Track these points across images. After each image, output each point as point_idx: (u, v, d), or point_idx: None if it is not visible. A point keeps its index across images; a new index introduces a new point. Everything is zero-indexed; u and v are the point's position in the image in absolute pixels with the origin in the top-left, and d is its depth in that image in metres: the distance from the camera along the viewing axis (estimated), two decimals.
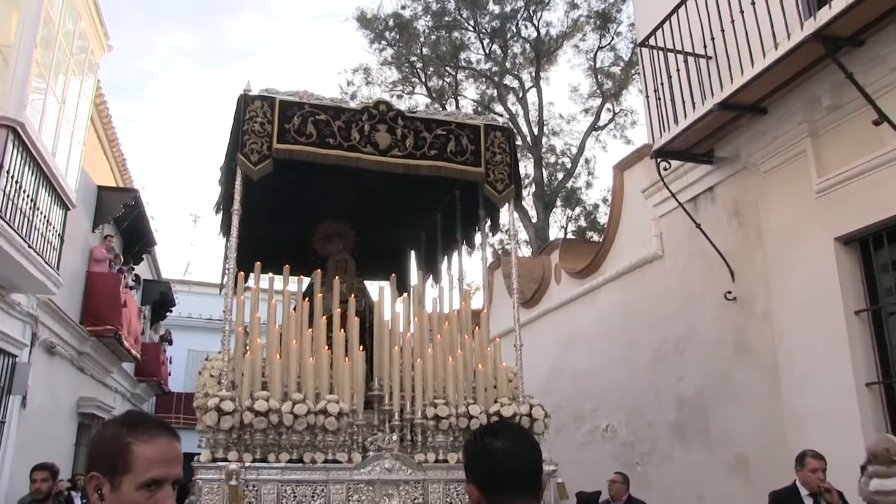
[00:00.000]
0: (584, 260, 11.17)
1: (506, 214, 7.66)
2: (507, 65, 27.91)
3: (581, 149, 27.34)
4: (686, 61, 7.69)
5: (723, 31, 6.98)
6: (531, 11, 27.16)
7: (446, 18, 27.59)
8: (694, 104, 7.54)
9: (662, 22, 7.91)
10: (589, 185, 28.05)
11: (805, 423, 6.71)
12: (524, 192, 27.18)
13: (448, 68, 27.92)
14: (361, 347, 6.72)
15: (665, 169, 8.13)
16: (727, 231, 8.03)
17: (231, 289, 6.53)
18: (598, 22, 26.76)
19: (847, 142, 6.49)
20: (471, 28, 27.64)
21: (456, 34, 27.85)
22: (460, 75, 28.39)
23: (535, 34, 27.19)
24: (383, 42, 27.98)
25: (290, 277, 7.29)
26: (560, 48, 27.97)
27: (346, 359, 6.36)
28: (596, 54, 27.23)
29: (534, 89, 27.48)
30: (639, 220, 9.76)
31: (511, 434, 2.00)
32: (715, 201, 8.31)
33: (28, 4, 8.57)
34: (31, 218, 8.89)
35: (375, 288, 8.41)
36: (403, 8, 27.31)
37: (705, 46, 7.37)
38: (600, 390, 10.39)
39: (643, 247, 9.59)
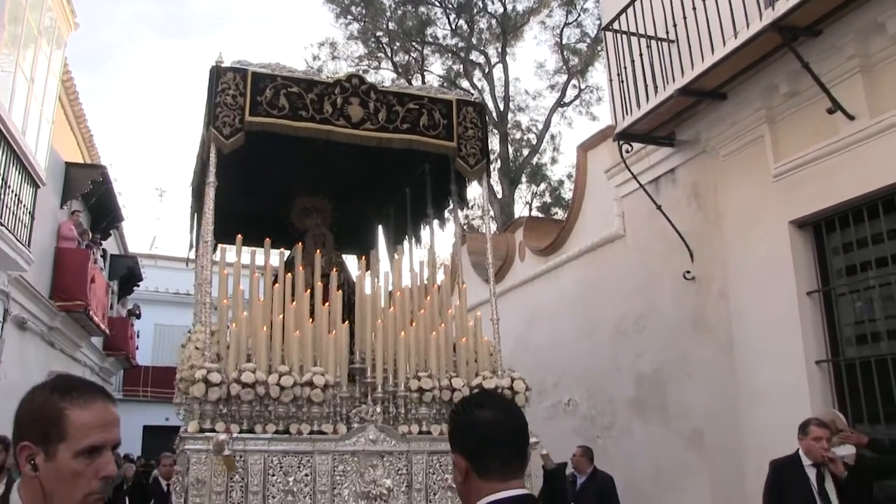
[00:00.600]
0: (548, 238, 11.36)
1: (474, 189, 7.76)
2: (474, 40, 27.92)
3: (547, 125, 27.53)
4: (649, 45, 7.84)
5: (685, 17, 7.11)
6: None
7: None
8: (656, 88, 7.70)
9: (627, 6, 8.05)
10: (554, 161, 28.26)
11: (758, 399, 6.98)
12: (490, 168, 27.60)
13: (414, 43, 27.89)
14: (344, 321, 6.74)
15: (627, 151, 8.32)
16: (687, 212, 8.26)
17: (209, 261, 6.53)
18: None
19: (803, 128, 6.71)
20: (437, 3, 27.61)
21: (422, 9, 27.80)
22: (426, 50, 28.38)
23: (501, 10, 27.24)
24: (349, 17, 27.85)
25: (272, 251, 7.22)
26: (526, 24, 28.04)
27: (331, 332, 6.39)
28: (562, 31, 27.36)
29: (500, 65, 27.57)
30: (601, 200, 9.95)
31: (496, 403, 2.03)
32: (676, 183, 8.53)
33: None
34: (2, 196, 8.92)
35: (351, 262, 8.70)
36: None
37: (668, 31, 7.53)
38: (563, 365, 10.62)
39: (605, 226, 9.80)
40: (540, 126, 27.83)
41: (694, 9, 6.96)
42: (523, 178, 27.96)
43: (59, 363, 14.40)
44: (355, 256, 7.92)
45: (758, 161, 7.20)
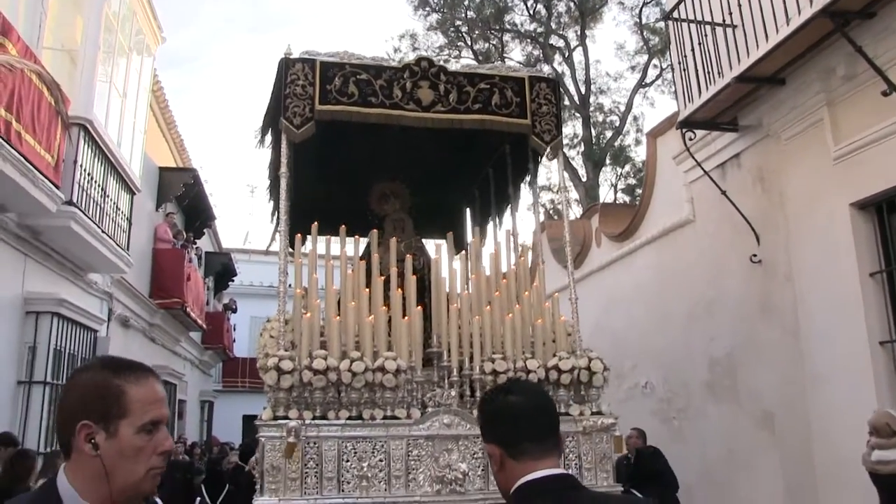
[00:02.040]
0: (623, 224, 11.51)
1: (547, 169, 7.78)
2: (552, 25, 27.94)
3: (629, 106, 27.41)
4: (711, 31, 7.92)
5: (739, 4, 7.20)
6: None
7: None
8: (721, 73, 7.77)
9: None
10: (638, 142, 28.04)
11: (823, 381, 7.05)
12: (573, 152, 27.63)
13: (493, 31, 28.07)
14: (420, 305, 6.73)
15: (690, 139, 8.42)
16: (752, 196, 8.32)
17: (285, 251, 6.58)
18: None
19: (861, 110, 6.72)
20: None
21: None
22: (506, 37, 28.53)
23: None
24: (427, 8, 28.22)
25: (348, 238, 7.39)
26: (605, 5, 27.87)
27: (406, 317, 6.40)
28: (640, 11, 27.13)
29: (580, 48, 27.52)
30: (672, 186, 10.06)
31: (522, 388, 2.05)
32: (741, 167, 8.59)
33: (90, 9, 9.28)
34: (101, 205, 9.64)
35: (433, 246, 8.50)
36: None
37: (729, 16, 7.55)
38: (639, 349, 10.78)
39: (676, 212, 9.92)
40: (622, 108, 27.74)
41: None
42: (607, 161, 27.88)
43: (161, 357, 15.31)
44: (441, 240, 7.83)
45: (818, 144, 7.23)
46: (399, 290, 6.64)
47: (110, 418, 1.66)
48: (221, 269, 22.06)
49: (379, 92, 6.75)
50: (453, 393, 6.24)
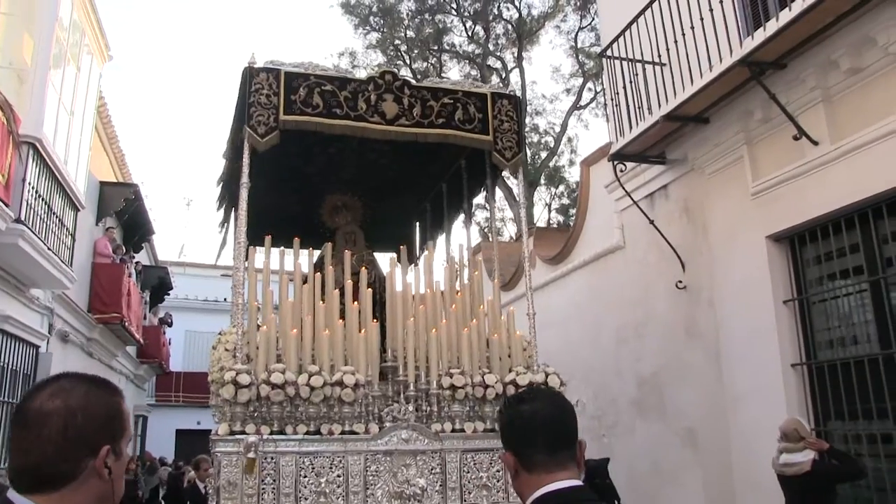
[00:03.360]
0: (556, 247, 11.99)
1: (500, 185, 7.88)
2: (490, 46, 28.59)
3: (564, 127, 28.18)
4: (643, 69, 8.43)
5: (667, 46, 7.73)
6: None
7: (429, 2, 28.22)
8: (649, 110, 8.29)
9: (620, 34, 8.66)
10: (572, 162, 28.82)
11: (741, 400, 7.59)
12: (506, 172, 28.18)
13: (432, 51, 28.58)
14: (374, 319, 6.73)
15: (621, 171, 8.94)
16: (679, 226, 8.87)
17: (242, 262, 6.57)
18: (579, 2, 27.41)
19: (776, 151, 7.29)
20: (454, 11, 28.29)
21: (439, 17, 28.51)
22: (444, 57, 29.08)
23: (516, 15, 27.86)
24: (368, 27, 28.60)
25: (301, 251, 7.36)
26: (542, 29, 28.65)
27: (361, 330, 6.37)
28: (577, 35, 27.95)
29: (516, 69, 28.21)
30: (603, 213, 10.58)
31: (539, 397, 2.01)
32: (668, 198, 9.14)
33: (42, 29, 9.41)
34: (47, 221, 9.75)
35: (383, 259, 8.61)
36: None
37: (660, 55, 8.02)
38: (571, 368, 11.19)
39: (607, 237, 10.44)
40: (557, 129, 28.48)
41: (683, 34, 7.47)
42: (542, 181, 28.57)
43: (98, 372, 14.94)
44: (392, 253, 7.83)
45: (738, 179, 7.79)
46: (355, 303, 6.64)
47: (116, 438, 1.64)
48: (158, 283, 21.96)
49: (344, 104, 6.77)
50: (411, 408, 6.26)
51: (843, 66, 6.36)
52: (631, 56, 8.52)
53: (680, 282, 8.74)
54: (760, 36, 6.53)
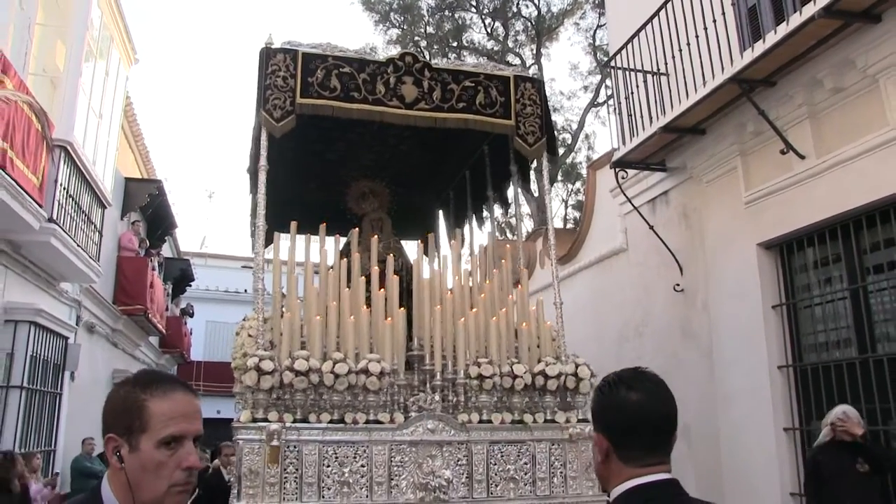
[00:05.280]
0: (564, 248, 12.37)
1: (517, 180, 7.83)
2: (509, 43, 28.90)
3: (581, 124, 28.43)
4: (645, 79, 8.79)
5: (673, 56, 8.05)
6: None
7: None
8: (651, 119, 8.65)
9: (624, 45, 9.03)
10: (589, 159, 29.04)
11: (731, 398, 7.98)
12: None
13: (451, 47, 28.93)
14: (401, 307, 6.55)
15: (623, 177, 9.33)
16: (678, 231, 9.24)
17: (262, 248, 6.38)
18: (598, 0, 27.67)
19: (767, 163, 7.64)
20: (473, 8, 28.64)
21: (459, 14, 28.87)
22: (463, 53, 29.41)
23: (535, 13, 28.16)
24: (388, 23, 28.99)
25: (327, 237, 7.03)
26: (560, 26, 28.90)
27: (388, 318, 6.21)
28: (595, 32, 28.21)
29: (535, 66, 28.50)
30: (608, 216, 10.98)
31: (648, 386, 1.87)
32: (669, 204, 9.51)
33: (74, 37, 9.91)
34: (76, 219, 10.29)
35: (409, 247, 8.49)
36: None
37: (665, 65, 8.34)
38: None
39: (611, 240, 10.83)
40: (575, 126, 28.75)
41: (680, 49, 7.84)
42: (559, 177, 28.89)
43: (121, 362, 15.87)
44: (416, 241, 7.55)
45: (732, 189, 8.16)
46: (381, 290, 6.45)
47: (133, 432, 1.71)
48: (180, 275, 22.49)
49: (362, 87, 6.55)
50: (437, 397, 6.10)
51: (827, 86, 6.72)
52: (635, 66, 8.87)
53: (678, 285, 9.12)
54: (749, 56, 6.89)
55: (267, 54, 6.43)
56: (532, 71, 28.34)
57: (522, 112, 7.03)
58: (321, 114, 6.57)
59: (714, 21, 7.40)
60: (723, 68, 7.34)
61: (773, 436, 7.39)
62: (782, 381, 7.51)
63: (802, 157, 7.07)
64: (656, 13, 8.21)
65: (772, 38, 6.56)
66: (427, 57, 28.79)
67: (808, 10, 6.08)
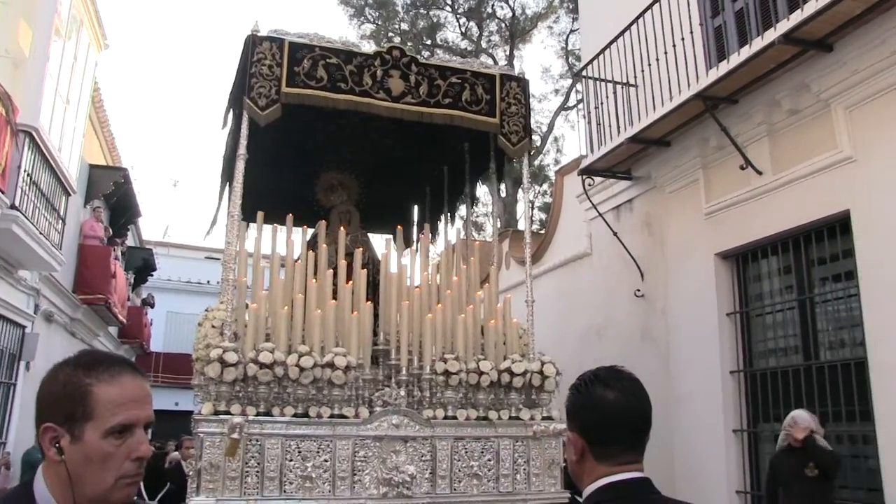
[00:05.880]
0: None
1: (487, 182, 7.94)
2: (483, 44, 29.19)
3: (551, 127, 28.81)
4: (614, 89, 9.11)
5: (642, 70, 8.37)
6: None
7: None
8: (619, 129, 8.96)
9: (595, 56, 9.34)
10: (557, 162, 29.44)
11: (685, 401, 8.33)
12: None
13: (425, 45, 29.14)
14: (368, 301, 6.53)
15: (590, 185, 9.65)
16: (640, 238, 9.58)
17: (235, 237, 6.31)
18: (572, 5, 28.04)
19: (727, 176, 7.99)
20: (448, 7, 28.88)
21: (434, 12, 29.10)
22: (437, 52, 29.62)
23: (510, 14, 28.48)
24: (363, 18, 29.13)
25: (294, 228, 7.10)
26: (534, 28, 29.26)
27: (354, 311, 6.17)
28: (568, 37, 28.60)
29: (507, 67, 28.76)
30: (575, 220, 11.30)
31: (625, 384, 1.87)
32: (633, 212, 9.85)
33: (41, 19, 9.85)
34: (39, 206, 10.21)
35: (379, 241, 8.47)
36: None
37: (635, 76, 8.63)
38: None
39: (577, 244, 11.16)
40: (544, 128, 29.10)
41: (649, 64, 8.17)
42: (528, 179, 29.21)
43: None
44: (387, 235, 7.54)
45: (694, 200, 8.51)
46: (348, 283, 6.42)
47: (75, 420, 1.53)
48: (142, 264, 22.16)
49: (349, 78, 6.53)
50: (402, 392, 6.10)
51: (784, 107, 7.08)
52: (606, 76, 9.17)
53: (638, 290, 9.46)
54: (714, 74, 7.23)
55: (253, 42, 6.40)
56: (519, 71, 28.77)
57: (507, 111, 7.08)
58: (307, 104, 6.56)
59: (682, 39, 7.72)
60: (689, 84, 7.68)
61: (723, 437, 7.76)
62: (733, 385, 7.87)
63: (760, 173, 7.43)
64: (627, 28, 8.53)
65: (735, 60, 6.91)
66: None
67: (770, 36, 6.43)
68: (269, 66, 6.33)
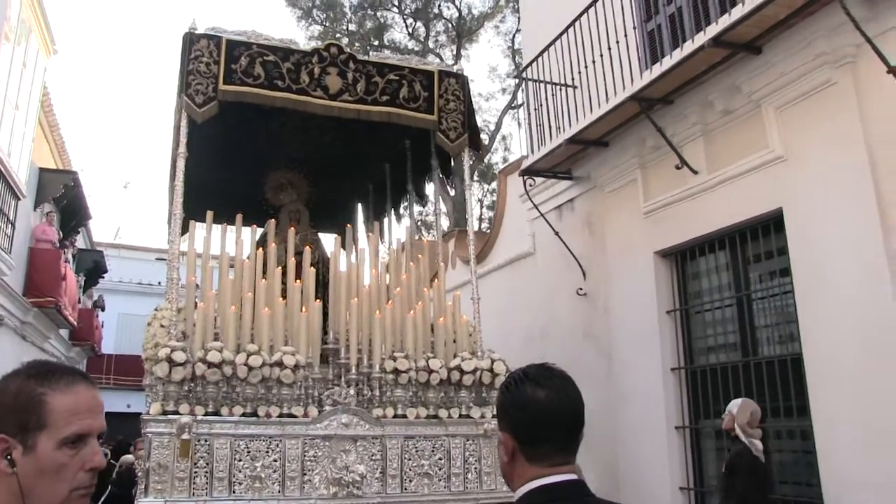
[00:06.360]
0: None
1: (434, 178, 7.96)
2: (430, 44, 29.21)
3: (498, 126, 28.98)
4: (554, 91, 9.16)
5: (580, 71, 8.43)
6: None
7: None
8: (560, 129, 9.00)
9: (535, 58, 9.40)
10: (505, 160, 29.60)
11: (627, 398, 8.41)
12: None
13: (372, 46, 29.07)
14: (317, 300, 6.52)
15: (531, 185, 9.70)
16: (581, 237, 9.65)
17: (178, 237, 6.28)
18: (517, 5, 28.15)
19: (664, 176, 8.08)
20: (395, 8, 28.85)
21: (381, 13, 29.06)
22: (384, 52, 29.57)
23: (456, 15, 28.55)
24: (310, 19, 28.98)
25: (243, 228, 7.08)
26: (481, 28, 29.38)
27: (303, 309, 6.19)
28: (514, 36, 28.73)
29: (455, 67, 28.85)
30: (518, 219, 11.34)
31: (556, 382, 1.82)
32: (574, 211, 9.92)
33: None
34: None
35: (328, 240, 8.45)
36: None
37: (573, 78, 8.70)
38: None
39: (520, 244, 11.20)
40: (492, 127, 29.24)
41: (586, 66, 8.22)
42: (476, 177, 29.33)
43: (30, 354, 15.49)
44: (335, 234, 7.55)
45: (632, 199, 8.59)
46: (297, 281, 6.46)
47: (28, 430, 1.50)
48: (93, 266, 22.06)
49: (286, 75, 6.55)
50: (352, 391, 6.08)
51: (717, 107, 7.18)
52: (547, 77, 9.22)
53: (580, 289, 9.53)
54: (648, 76, 7.31)
55: (190, 40, 6.40)
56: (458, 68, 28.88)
57: (445, 107, 7.09)
58: (244, 101, 6.55)
59: (617, 42, 7.79)
60: (624, 86, 7.75)
61: (665, 433, 7.84)
62: (675, 382, 7.96)
63: (696, 172, 7.53)
64: (566, 29, 8.58)
65: (668, 62, 6.99)
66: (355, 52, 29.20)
67: (700, 39, 6.51)
68: (206, 63, 6.33)
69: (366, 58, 7.07)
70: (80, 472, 1.54)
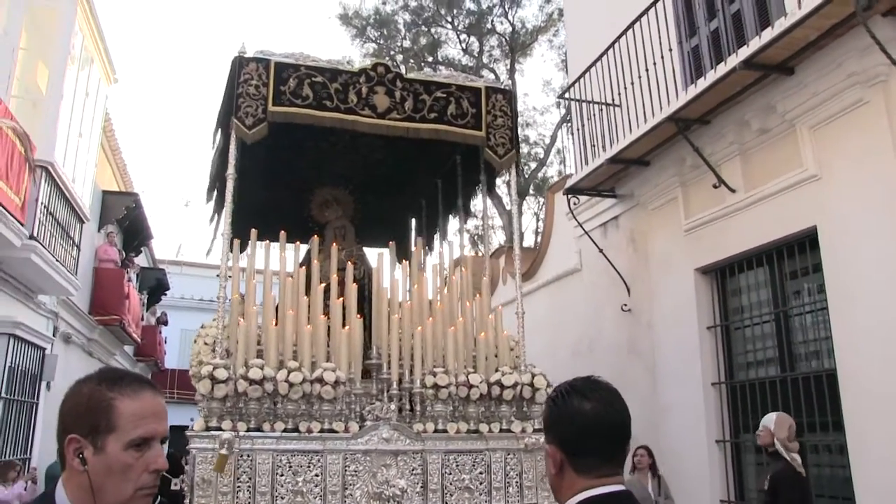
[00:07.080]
0: (524, 266, 12.93)
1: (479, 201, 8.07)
2: (484, 59, 29.52)
3: (553, 139, 29.08)
4: (598, 110, 9.37)
5: (618, 93, 8.66)
6: (506, 8, 28.73)
7: (425, 14, 29.16)
8: (603, 148, 9.21)
9: (578, 78, 9.65)
10: (560, 173, 29.69)
11: (670, 411, 8.56)
12: (499, 180, 29.17)
13: (426, 62, 29.50)
14: (360, 315, 6.57)
15: (575, 203, 9.91)
16: (626, 254, 9.82)
17: (227, 256, 6.32)
18: None
19: (704, 194, 8.24)
20: (449, 24, 29.23)
21: (435, 30, 29.47)
22: (439, 68, 29.99)
23: (510, 29, 28.81)
24: (365, 38, 29.53)
25: (288, 245, 7.11)
26: (534, 42, 29.57)
27: (345, 326, 6.24)
28: (567, 50, 28.85)
29: (509, 82, 29.13)
30: (565, 236, 11.55)
31: (602, 395, 1.86)
32: (619, 228, 10.10)
33: (55, 61, 10.42)
34: (55, 235, 10.75)
35: (375, 255, 8.37)
36: (384, 3, 28.82)
37: (617, 96, 8.86)
38: None
39: (567, 260, 11.41)
40: (547, 140, 29.41)
41: (631, 83, 8.44)
42: (531, 191, 29.52)
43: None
44: (384, 249, 7.51)
45: (674, 216, 8.75)
46: (339, 298, 6.48)
47: (98, 432, 1.62)
48: (155, 284, 22.81)
49: (334, 96, 6.60)
50: (393, 406, 6.08)
51: (753, 126, 7.33)
52: (591, 96, 9.43)
53: (625, 305, 9.70)
54: (684, 97, 7.49)
55: (240, 63, 6.49)
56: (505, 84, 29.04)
57: (493, 123, 7.09)
58: (293, 122, 6.62)
59: (654, 63, 7.99)
60: (664, 105, 7.94)
61: (706, 447, 7.98)
62: (715, 396, 8.09)
63: (733, 191, 7.67)
64: (605, 52, 8.81)
65: (702, 84, 7.17)
66: (403, 70, 29.64)
67: (732, 61, 6.69)
68: (255, 86, 6.43)
69: (413, 76, 7.14)
70: (145, 473, 1.66)
